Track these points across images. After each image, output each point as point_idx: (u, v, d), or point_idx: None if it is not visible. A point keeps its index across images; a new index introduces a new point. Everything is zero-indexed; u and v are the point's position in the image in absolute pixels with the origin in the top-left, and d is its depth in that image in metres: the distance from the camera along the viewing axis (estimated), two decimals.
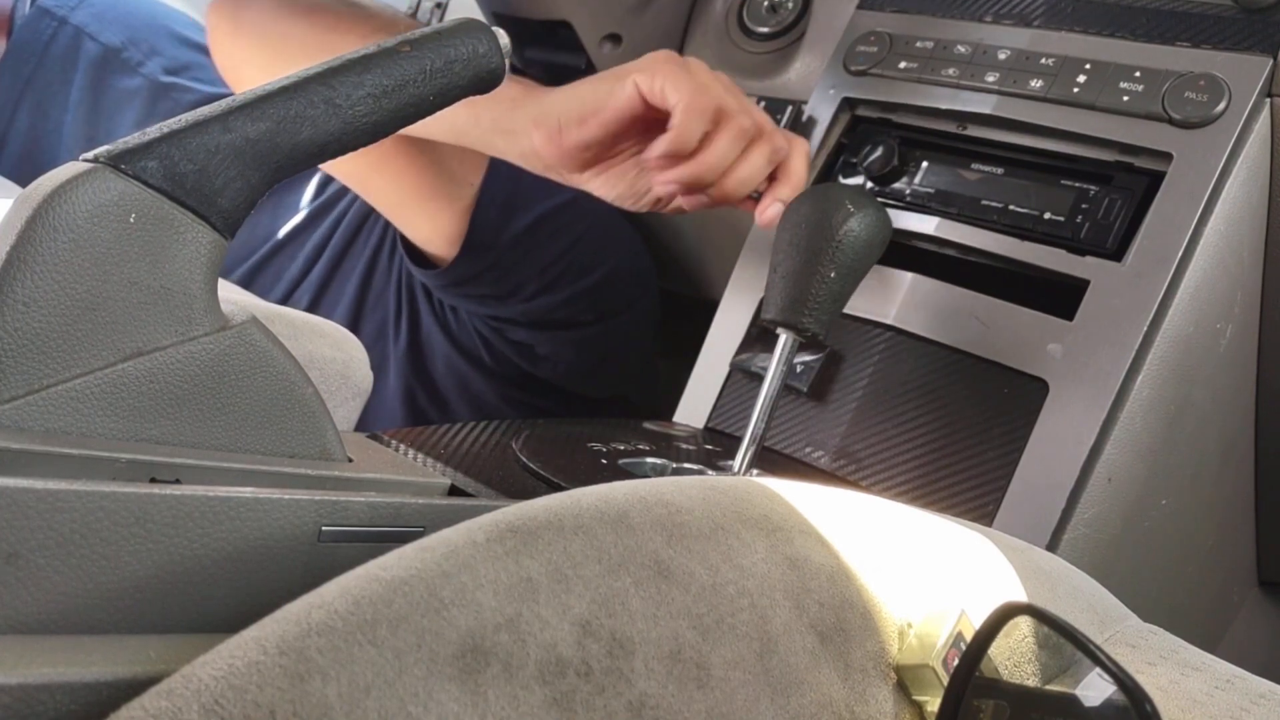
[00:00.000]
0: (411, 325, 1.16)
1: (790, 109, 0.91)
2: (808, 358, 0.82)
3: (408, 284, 1.15)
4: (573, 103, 0.83)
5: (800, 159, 0.83)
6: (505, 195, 1.03)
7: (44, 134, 1.25)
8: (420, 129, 0.90)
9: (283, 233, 1.18)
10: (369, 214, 1.16)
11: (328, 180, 1.20)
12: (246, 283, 1.16)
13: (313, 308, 1.16)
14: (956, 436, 0.75)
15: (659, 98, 0.79)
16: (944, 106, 0.84)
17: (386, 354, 1.17)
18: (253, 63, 0.99)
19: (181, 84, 1.23)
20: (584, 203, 1.04)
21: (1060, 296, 0.74)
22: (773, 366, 0.69)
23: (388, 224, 1.13)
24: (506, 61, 0.49)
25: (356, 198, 1.15)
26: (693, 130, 0.78)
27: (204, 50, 1.30)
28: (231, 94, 1.26)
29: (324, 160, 0.45)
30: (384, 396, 1.17)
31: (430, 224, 1.05)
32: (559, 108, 0.83)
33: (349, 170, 1.03)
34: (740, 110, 0.80)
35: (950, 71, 0.84)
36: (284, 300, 1.15)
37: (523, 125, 0.85)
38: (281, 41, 0.96)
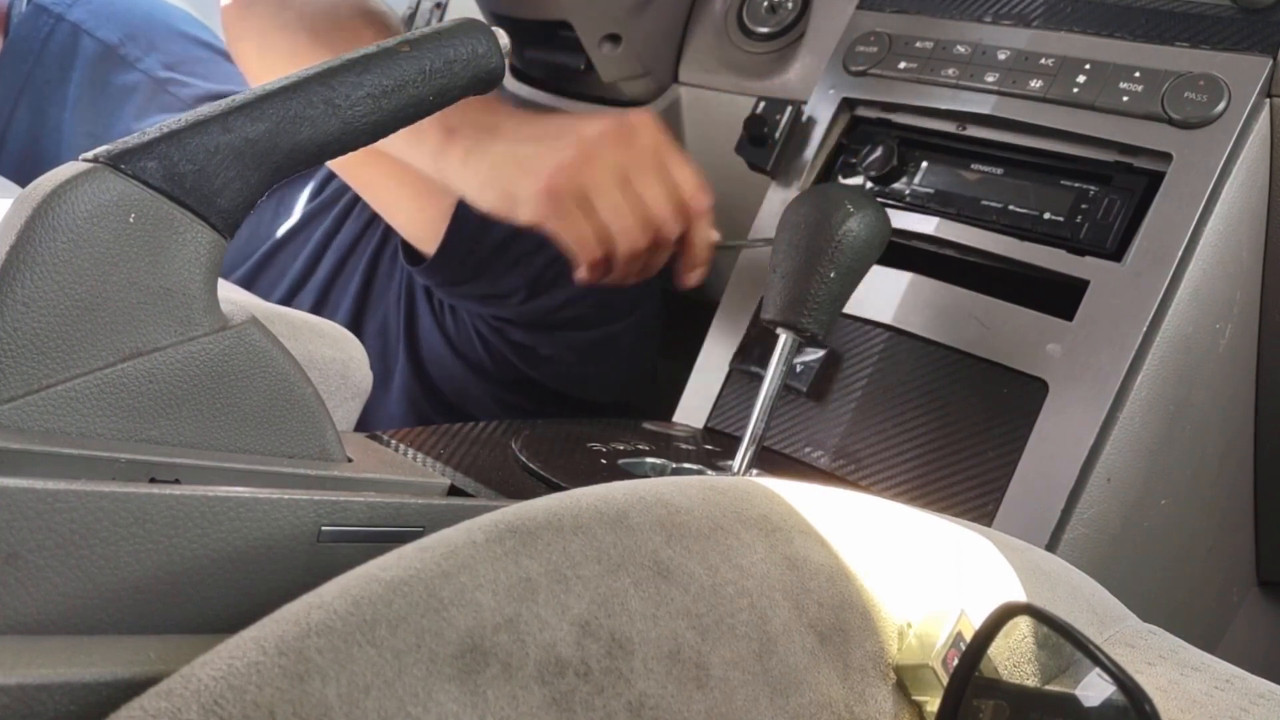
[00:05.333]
0: (409, 328, 1.16)
1: (790, 109, 0.91)
2: (808, 358, 0.82)
3: (408, 287, 1.15)
4: (495, 188, 0.88)
5: (698, 234, 0.88)
6: None
7: (43, 132, 1.25)
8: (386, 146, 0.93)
9: (281, 232, 1.18)
10: (373, 217, 1.16)
11: (326, 182, 1.20)
12: (248, 283, 1.16)
13: (317, 309, 1.16)
14: (956, 436, 0.75)
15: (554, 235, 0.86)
16: (944, 106, 0.84)
17: (388, 355, 1.17)
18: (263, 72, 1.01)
19: (179, 79, 1.23)
20: None
21: (1060, 296, 0.74)
22: (772, 366, 0.69)
23: (390, 227, 1.13)
24: (506, 61, 0.49)
25: (355, 199, 1.15)
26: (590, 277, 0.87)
27: (202, 45, 1.30)
28: (226, 90, 1.27)
29: (324, 160, 0.45)
30: (387, 402, 1.17)
31: (417, 220, 1.06)
32: (486, 183, 0.88)
33: (342, 164, 1.04)
34: (638, 231, 0.85)
35: (950, 71, 0.84)
36: (287, 300, 1.15)
37: (465, 176, 0.90)
38: (290, 53, 0.98)
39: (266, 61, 1.00)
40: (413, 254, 1.08)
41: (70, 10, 1.26)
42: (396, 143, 0.90)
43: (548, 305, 1.11)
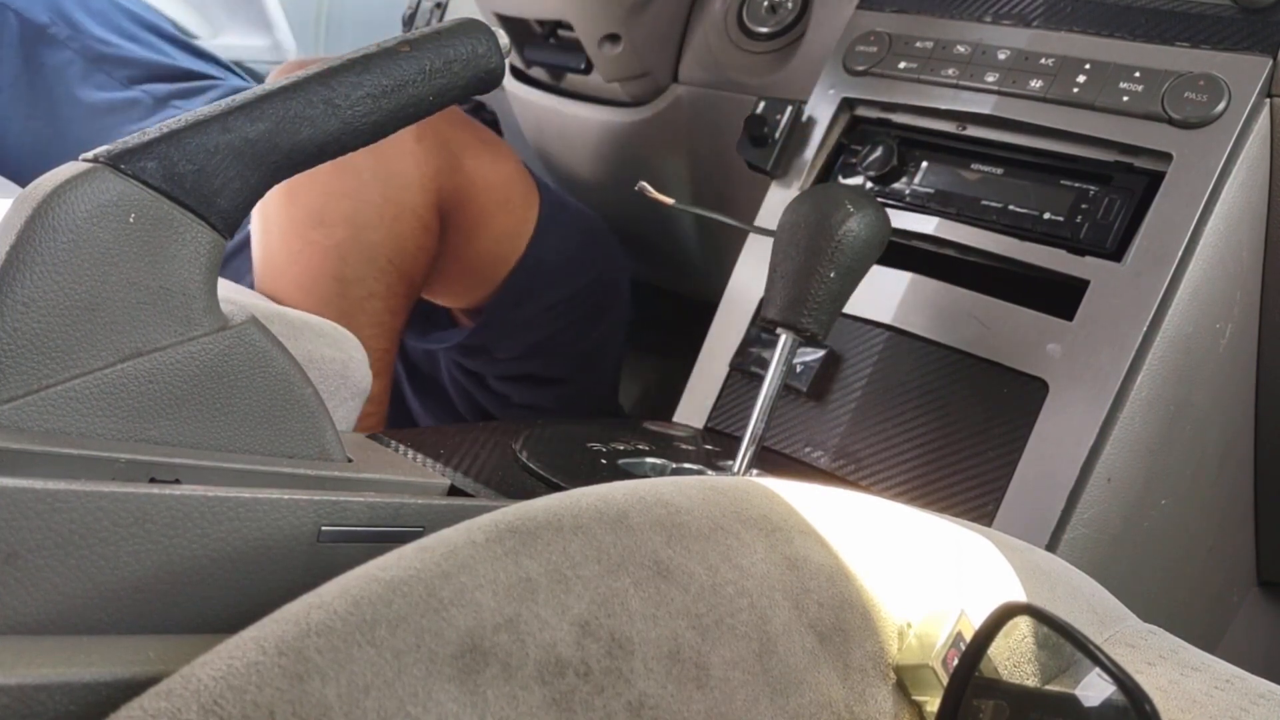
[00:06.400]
0: None
1: (790, 109, 0.91)
2: (808, 358, 0.82)
3: None
4: None
5: None
6: (517, 294, 1.08)
7: None
8: None
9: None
10: None
11: None
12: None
13: None
14: (956, 436, 0.75)
15: None
16: (944, 106, 0.84)
17: None
18: None
19: (111, 54, 1.23)
20: (583, 293, 1.12)
21: (1060, 296, 0.74)
22: (773, 366, 0.69)
23: None
24: (506, 62, 0.49)
25: None
26: None
27: (134, 20, 1.30)
28: (159, 61, 1.25)
29: (324, 160, 0.45)
30: None
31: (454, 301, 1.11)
32: None
33: None
34: None
35: (950, 71, 0.84)
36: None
37: None
38: None
39: None
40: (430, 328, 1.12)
41: None
42: None
43: (533, 367, 1.14)
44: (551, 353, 1.16)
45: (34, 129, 1.19)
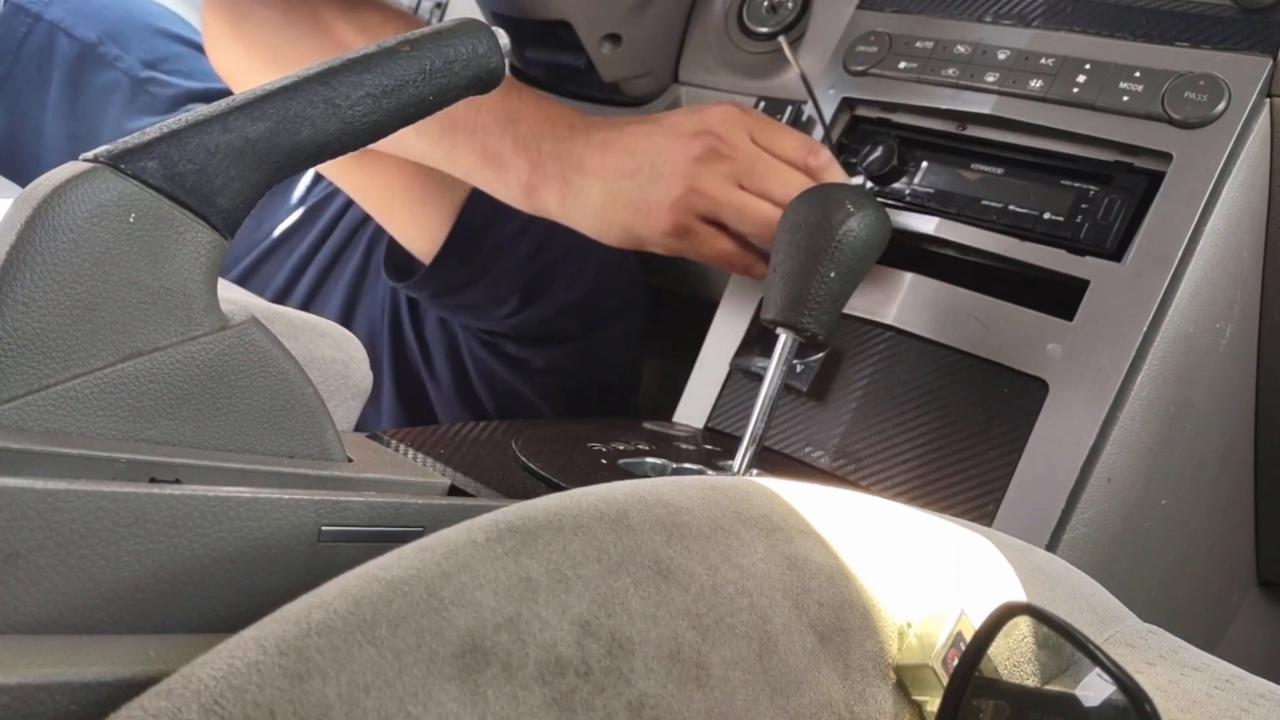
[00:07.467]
0: (395, 338, 1.16)
1: (790, 109, 0.91)
2: (808, 358, 0.82)
3: (393, 298, 1.15)
4: (616, 227, 0.86)
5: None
6: (492, 202, 1.02)
7: (23, 134, 1.23)
8: (446, 166, 0.91)
9: (277, 232, 1.18)
10: (361, 221, 1.15)
11: (318, 178, 1.19)
12: (240, 284, 1.16)
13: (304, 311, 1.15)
14: (956, 436, 0.75)
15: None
16: (944, 106, 0.84)
17: (378, 360, 1.16)
18: (256, 69, 0.98)
19: (159, 78, 1.21)
20: (554, 235, 1.05)
21: (1060, 296, 0.74)
22: (773, 366, 0.69)
23: (377, 233, 1.12)
24: (506, 61, 0.49)
25: (349, 200, 1.14)
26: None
27: (181, 42, 1.28)
28: (205, 88, 1.23)
29: (324, 160, 0.45)
30: (377, 415, 1.17)
31: (416, 226, 1.04)
32: (604, 223, 0.86)
33: (339, 167, 1.02)
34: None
35: (950, 71, 0.84)
36: (276, 303, 1.15)
37: (573, 216, 0.87)
38: (287, 48, 0.96)
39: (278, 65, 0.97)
40: (397, 271, 1.07)
41: (48, 9, 1.23)
42: (476, 174, 0.90)
43: (538, 317, 1.11)
44: (548, 297, 1.11)
45: (74, 150, 1.18)
